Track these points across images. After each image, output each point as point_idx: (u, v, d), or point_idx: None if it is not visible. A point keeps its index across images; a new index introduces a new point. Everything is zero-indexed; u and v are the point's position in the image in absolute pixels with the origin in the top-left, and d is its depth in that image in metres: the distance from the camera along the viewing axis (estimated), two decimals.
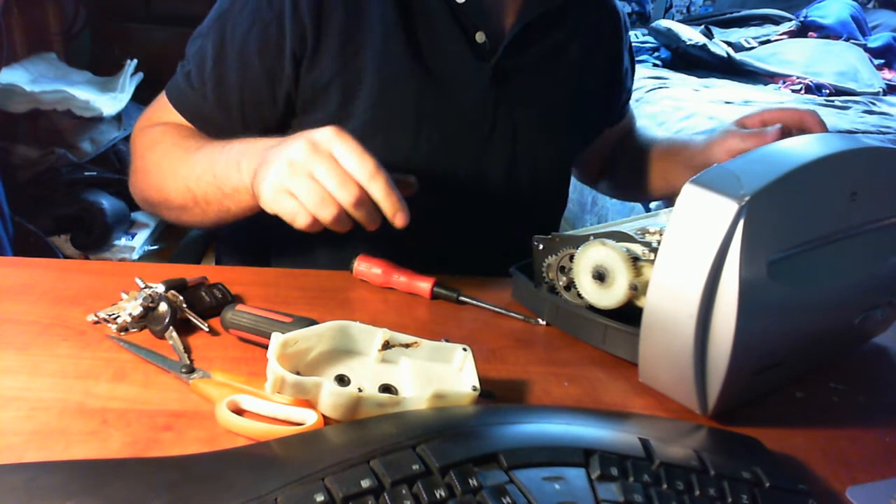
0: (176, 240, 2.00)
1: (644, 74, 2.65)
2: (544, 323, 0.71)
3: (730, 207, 0.53)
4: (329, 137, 0.65)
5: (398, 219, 0.65)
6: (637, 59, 1.71)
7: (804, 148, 0.61)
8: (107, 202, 2.05)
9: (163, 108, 0.86)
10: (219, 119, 0.84)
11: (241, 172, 0.72)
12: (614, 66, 1.00)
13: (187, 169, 0.78)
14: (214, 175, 0.75)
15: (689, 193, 0.56)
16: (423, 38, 0.83)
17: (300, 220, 0.65)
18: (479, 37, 0.85)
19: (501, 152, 0.89)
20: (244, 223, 0.80)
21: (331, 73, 0.81)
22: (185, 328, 0.64)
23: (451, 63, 0.84)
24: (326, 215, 0.64)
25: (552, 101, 0.91)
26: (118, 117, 2.23)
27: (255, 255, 0.98)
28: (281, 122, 0.85)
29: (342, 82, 0.81)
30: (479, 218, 0.91)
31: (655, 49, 3.03)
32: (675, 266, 0.56)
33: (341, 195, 0.63)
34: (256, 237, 0.97)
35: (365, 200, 0.64)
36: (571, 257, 0.69)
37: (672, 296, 0.56)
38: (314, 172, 0.64)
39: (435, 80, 0.84)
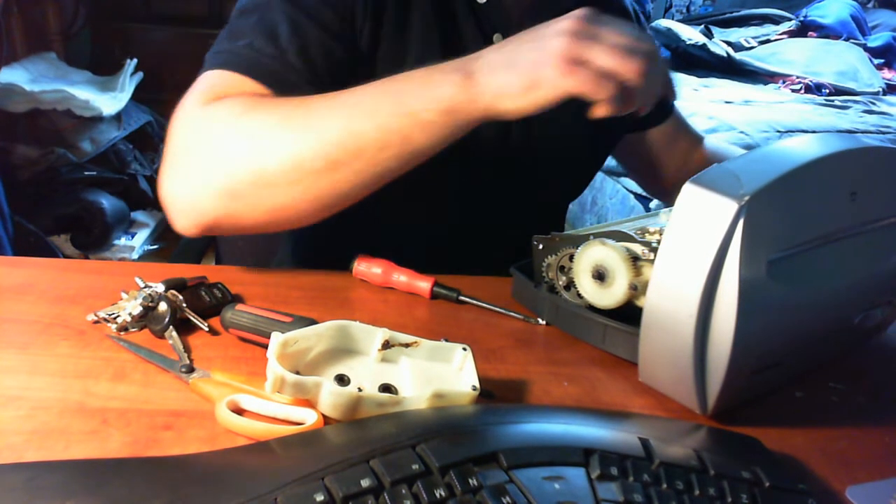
0: (175, 239, 2.00)
1: None
2: (544, 323, 0.71)
3: (729, 207, 0.53)
4: (594, 13, 0.62)
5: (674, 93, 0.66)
6: None
7: (804, 148, 0.61)
8: (106, 202, 2.05)
9: (230, 83, 0.72)
10: (305, 89, 0.72)
11: (455, 86, 0.63)
12: None
13: (338, 113, 0.66)
14: (400, 103, 0.65)
15: (689, 193, 0.56)
16: (452, 39, 0.83)
17: (606, 89, 0.60)
18: (497, 39, 0.85)
19: (511, 154, 0.88)
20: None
21: (378, 57, 0.79)
22: (185, 328, 0.64)
23: None
24: (634, 69, 0.59)
25: (561, 107, 0.91)
26: (118, 117, 2.23)
27: (260, 255, 0.97)
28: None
29: (383, 69, 0.75)
30: (485, 219, 0.91)
31: None
32: (675, 266, 0.56)
33: (643, 46, 0.60)
34: (265, 237, 0.96)
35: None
36: (571, 257, 0.69)
37: (672, 295, 0.56)
38: (602, 35, 0.60)
39: None
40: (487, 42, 0.85)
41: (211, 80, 0.73)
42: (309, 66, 0.74)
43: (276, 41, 0.73)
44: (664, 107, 1.07)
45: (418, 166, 0.69)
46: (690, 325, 0.55)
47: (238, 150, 0.67)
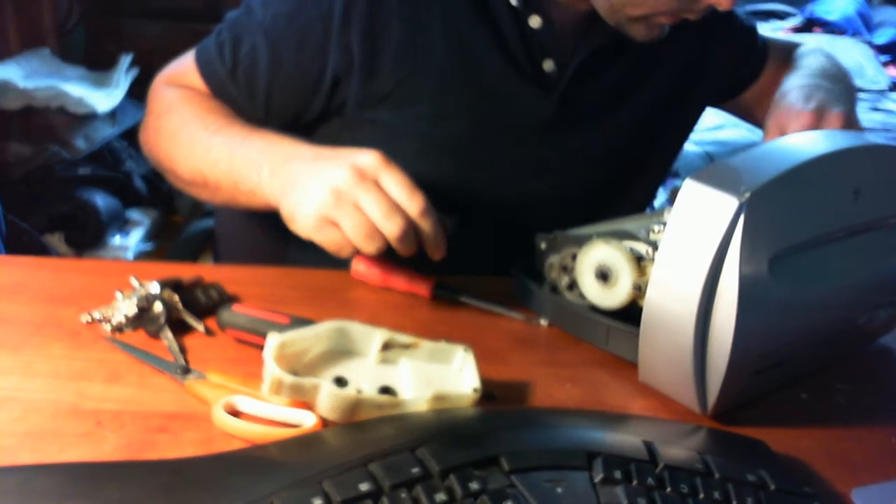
0: (171, 238, 1.99)
1: None
2: (546, 323, 0.71)
3: (730, 204, 0.52)
4: (376, 165, 0.64)
5: (437, 256, 0.67)
6: None
7: (807, 145, 0.61)
8: (101, 200, 2.04)
9: (191, 70, 0.84)
10: (241, 102, 0.82)
11: (260, 178, 0.70)
12: (701, 65, 0.92)
13: (202, 150, 0.76)
14: (231, 167, 0.73)
15: (690, 189, 0.55)
16: (486, 62, 0.80)
17: (344, 253, 0.65)
18: (547, 65, 0.82)
19: (555, 178, 0.87)
20: (260, 225, 0.78)
21: (387, 88, 0.79)
22: (181, 328, 0.63)
23: (514, 90, 0.82)
24: (371, 249, 0.64)
25: (622, 129, 0.88)
26: (112, 114, 2.21)
27: (260, 256, 0.96)
28: (315, 120, 0.84)
29: (398, 99, 0.79)
30: (520, 238, 0.89)
31: None
32: (675, 263, 0.55)
33: (388, 227, 0.63)
34: (269, 237, 0.95)
35: (410, 232, 0.64)
36: (574, 256, 0.68)
37: (672, 293, 0.56)
38: (360, 202, 0.63)
39: (495, 105, 0.82)
40: (537, 69, 0.82)
41: (185, 63, 0.85)
42: (250, 85, 0.81)
43: (238, 52, 0.80)
44: (752, 67, 0.98)
45: (460, 181, 0.77)
46: (690, 324, 0.55)
47: (151, 135, 0.84)
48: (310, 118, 0.83)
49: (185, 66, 0.84)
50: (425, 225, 0.65)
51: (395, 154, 0.68)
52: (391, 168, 0.64)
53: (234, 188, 0.74)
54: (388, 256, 0.75)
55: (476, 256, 0.82)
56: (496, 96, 0.82)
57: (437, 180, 0.78)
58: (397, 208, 0.63)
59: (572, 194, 0.89)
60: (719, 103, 1.01)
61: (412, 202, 0.64)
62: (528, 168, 0.86)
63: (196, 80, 0.83)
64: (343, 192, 0.63)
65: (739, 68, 0.97)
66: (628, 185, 0.94)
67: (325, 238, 0.65)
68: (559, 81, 0.82)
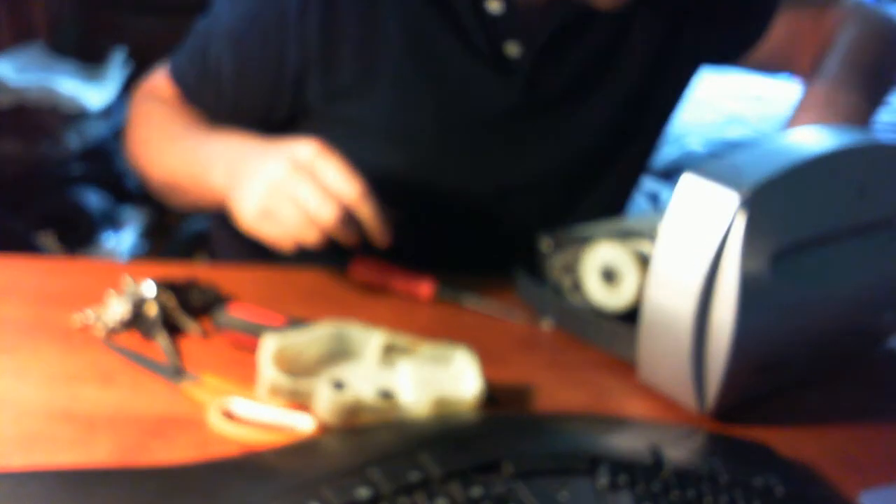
0: (165, 237, 1.98)
1: None
2: (549, 325, 0.70)
3: (731, 198, 0.52)
4: (311, 156, 0.65)
5: (380, 242, 0.68)
6: None
7: (812, 141, 0.60)
8: (94, 199, 2.04)
9: (165, 79, 0.87)
10: (211, 106, 0.83)
11: (213, 177, 0.72)
12: (676, 41, 0.87)
13: (169, 155, 0.80)
14: (192, 169, 0.76)
15: (688, 183, 0.55)
16: (446, 50, 0.79)
17: (286, 245, 0.67)
18: (511, 50, 0.80)
19: (529, 166, 0.86)
20: None
21: (347, 80, 0.78)
22: (175, 330, 0.62)
23: (476, 77, 0.81)
24: (310, 238, 0.65)
25: (595, 112, 0.85)
26: (106, 111, 2.20)
27: (259, 254, 0.95)
28: (285, 120, 0.84)
29: (359, 91, 0.79)
30: (498, 229, 0.88)
31: None
32: (673, 258, 0.55)
33: (323, 214, 0.64)
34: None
35: (346, 219, 0.65)
36: (578, 257, 0.67)
37: (670, 290, 0.55)
38: (296, 193, 0.64)
39: (458, 94, 0.81)
40: (499, 55, 0.80)
41: (158, 73, 0.88)
42: (218, 90, 0.83)
43: (205, 58, 0.82)
44: (752, 28, 0.91)
45: (432, 174, 0.76)
46: (688, 320, 0.54)
47: (132, 143, 0.87)
48: (278, 118, 0.83)
49: (160, 77, 0.88)
50: (363, 210, 0.65)
51: (364, 149, 0.68)
52: (326, 157, 0.65)
53: (196, 189, 0.76)
54: (387, 256, 0.74)
55: (458, 250, 0.82)
56: (458, 85, 0.81)
57: (408, 173, 0.77)
58: (331, 195, 0.64)
59: (550, 181, 0.88)
60: (720, 66, 0.95)
61: (348, 188, 0.64)
62: (499, 156, 0.85)
63: (170, 89, 0.86)
64: (279, 185, 0.64)
65: (732, 33, 0.92)
66: (609, 170, 0.91)
67: (266, 232, 0.66)
68: (523, 66, 0.81)
